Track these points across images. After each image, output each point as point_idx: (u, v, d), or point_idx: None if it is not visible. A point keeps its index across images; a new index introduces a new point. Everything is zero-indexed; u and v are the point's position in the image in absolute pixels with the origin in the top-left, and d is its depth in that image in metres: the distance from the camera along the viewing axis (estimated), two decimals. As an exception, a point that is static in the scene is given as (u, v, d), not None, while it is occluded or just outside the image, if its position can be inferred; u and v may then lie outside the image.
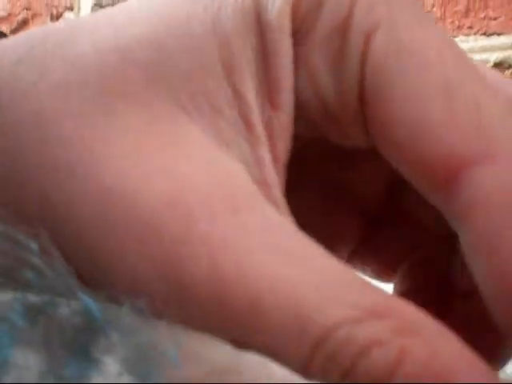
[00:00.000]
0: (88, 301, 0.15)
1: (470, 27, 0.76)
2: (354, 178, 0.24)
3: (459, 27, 0.77)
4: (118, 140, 0.17)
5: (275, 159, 0.19)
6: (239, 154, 0.18)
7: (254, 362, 0.15)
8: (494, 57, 0.75)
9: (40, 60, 0.18)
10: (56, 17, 0.93)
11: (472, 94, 0.18)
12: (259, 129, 0.18)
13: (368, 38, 0.18)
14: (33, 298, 0.15)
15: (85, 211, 0.16)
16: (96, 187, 0.17)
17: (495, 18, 0.75)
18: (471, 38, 0.76)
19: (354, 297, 0.16)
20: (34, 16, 0.94)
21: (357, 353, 0.15)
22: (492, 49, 0.75)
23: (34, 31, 0.20)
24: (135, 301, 0.15)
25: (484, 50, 0.76)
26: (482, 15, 0.76)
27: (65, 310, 0.15)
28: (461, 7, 0.76)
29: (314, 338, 0.15)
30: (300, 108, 0.19)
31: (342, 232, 0.24)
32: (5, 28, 0.93)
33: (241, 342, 0.16)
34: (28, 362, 0.14)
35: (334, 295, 0.16)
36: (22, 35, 0.20)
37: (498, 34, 0.75)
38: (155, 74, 0.18)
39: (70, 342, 0.14)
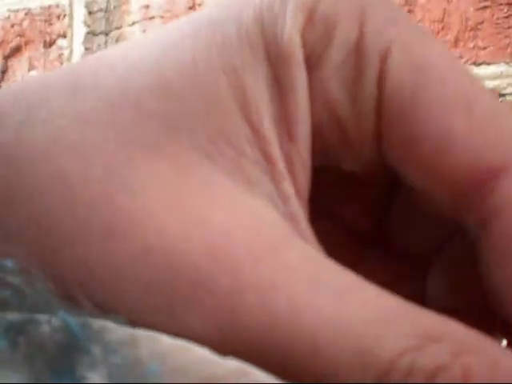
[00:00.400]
0: (68, 318, 0.15)
1: (460, 57, 0.77)
2: (344, 207, 0.23)
3: (449, 56, 0.77)
4: (145, 194, 0.17)
5: (298, 193, 0.19)
6: (264, 192, 0.18)
7: (237, 371, 0.15)
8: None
9: (47, 120, 0.17)
10: (49, 44, 0.94)
11: (488, 105, 0.19)
12: (280, 164, 0.18)
13: (383, 58, 0.19)
14: (12, 316, 0.14)
15: (126, 272, 0.16)
16: (135, 247, 0.16)
17: (484, 48, 0.76)
18: (461, 67, 0.77)
19: (409, 324, 0.16)
20: (27, 43, 0.94)
21: (423, 381, 0.15)
22: (481, 78, 0.76)
23: (29, 85, 0.19)
24: (117, 315, 0.15)
25: (473, 79, 0.76)
26: (472, 45, 0.76)
27: (46, 327, 0.14)
28: (450, 37, 0.77)
29: (377, 372, 0.16)
30: (314, 134, 0.19)
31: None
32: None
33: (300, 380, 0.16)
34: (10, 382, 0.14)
35: (389, 326, 0.16)
36: (16, 89, 0.19)
37: (488, 64, 0.76)
38: (172, 122, 0.18)
39: (53, 359, 0.14)
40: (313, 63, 0.19)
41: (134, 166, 0.17)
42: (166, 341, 0.15)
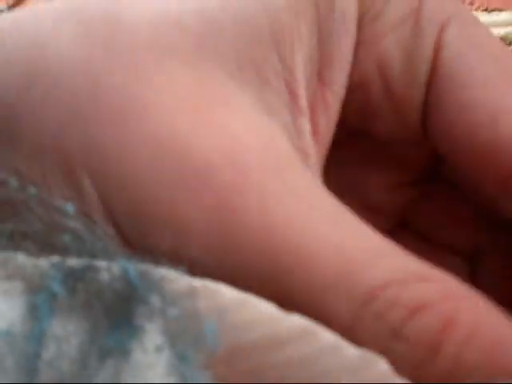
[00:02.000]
0: (127, 266, 0.14)
1: (471, 3, 0.76)
2: (371, 182, 0.24)
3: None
4: (168, 92, 0.17)
5: (315, 132, 0.19)
6: (282, 122, 0.18)
7: (301, 331, 0.15)
8: (495, 33, 0.75)
9: (84, 21, 0.18)
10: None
11: None
12: (303, 101, 0.19)
13: (442, 30, 0.20)
14: (71, 262, 0.14)
15: (135, 157, 0.16)
16: (148, 134, 0.16)
17: (496, -6, 0.75)
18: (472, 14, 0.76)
19: (399, 260, 0.16)
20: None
21: (406, 313, 0.15)
22: (493, 25, 0.75)
23: (58, 7, 0.19)
24: (177, 266, 0.14)
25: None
26: (483, -9, 0.75)
27: (105, 275, 0.14)
28: (462, -17, 0.76)
29: (363, 295, 0.15)
30: (361, 89, 0.20)
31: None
32: (1, 4, 0.92)
33: (283, 301, 0.15)
34: (68, 332, 0.14)
35: (380, 257, 0.16)
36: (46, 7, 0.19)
37: (499, 11, 0.75)
38: (205, 42, 0.18)
39: (111, 308, 0.14)
40: (369, 17, 0.20)
41: (160, 66, 0.17)
42: (226, 293, 0.15)
